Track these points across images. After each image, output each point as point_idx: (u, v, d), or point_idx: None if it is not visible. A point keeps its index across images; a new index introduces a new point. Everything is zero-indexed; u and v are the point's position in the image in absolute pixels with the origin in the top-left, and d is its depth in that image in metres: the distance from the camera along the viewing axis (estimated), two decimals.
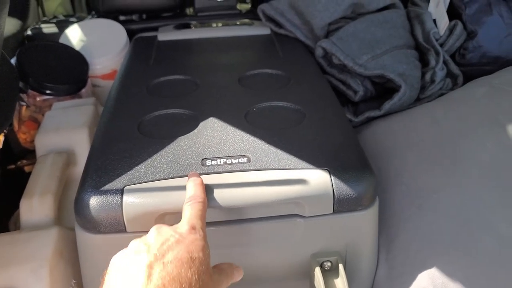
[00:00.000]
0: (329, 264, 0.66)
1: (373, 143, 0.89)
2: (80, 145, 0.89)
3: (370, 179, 0.65)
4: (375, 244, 0.71)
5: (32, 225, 0.73)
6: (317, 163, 0.64)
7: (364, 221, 0.66)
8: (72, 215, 0.66)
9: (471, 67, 1.06)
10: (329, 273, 0.65)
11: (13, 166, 1.06)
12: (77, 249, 0.67)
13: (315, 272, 0.64)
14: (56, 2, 1.90)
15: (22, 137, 1.06)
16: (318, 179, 0.62)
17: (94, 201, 0.61)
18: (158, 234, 0.50)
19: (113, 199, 0.61)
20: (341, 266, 0.65)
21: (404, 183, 0.78)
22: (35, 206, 0.74)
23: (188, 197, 0.57)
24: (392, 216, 0.75)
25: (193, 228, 0.52)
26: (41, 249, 0.67)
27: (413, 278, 0.68)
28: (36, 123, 1.04)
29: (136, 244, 0.50)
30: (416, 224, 0.72)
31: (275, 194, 0.61)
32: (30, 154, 1.08)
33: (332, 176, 0.63)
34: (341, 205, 0.63)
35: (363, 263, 0.69)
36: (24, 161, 1.06)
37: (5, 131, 0.97)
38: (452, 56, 1.07)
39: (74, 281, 0.71)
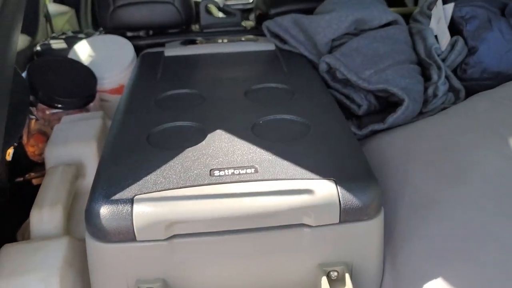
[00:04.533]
0: (335, 273, 0.66)
1: (377, 156, 0.90)
2: (89, 157, 0.91)
3: (376, 190, 0.66)
4: (381, 254, 0.72)
5: (42, 235, 0.74)
6: (323, 174, 0.66)
7: (370, 231, 0.67)
8: (81, 226, 0.67)
9: (472, 82, 1.08)
10: (336, 283, 0.66)
11: (21, 179, 1.07)
12: (86, 259, 0.68)
13: (321, 282, 0.65)
14: (63, 19, 1.94)
15: (30, 150, 1.08)
16: (325, 189, 0.64)
17: (105, 211, 0.62)
18: None
19: (123, 208, 0.62)
20: (347, 276, 0.66)
21: (408, 195, 0.79)
22: (45, 216, 0.75)
23: None
24: (396, 228, 0.76)
25: None
26: (51, 259, 0.68)
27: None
28: (45, 136, 1.06)
29: None
30: (420, 235, 0.73)
31: (282, 203, 0.62)
32: (38, 167, 1.09)
33: (338, 186, 0.64)
34: (347, 215, 0.64)
35: (369, 274, 0.70)
36: (32, 174, 1.08)
37: (15, 144, 0.98)
38: (454, 71, 1.09)
39: None
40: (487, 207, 0.72)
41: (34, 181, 1.07)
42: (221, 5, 1.57)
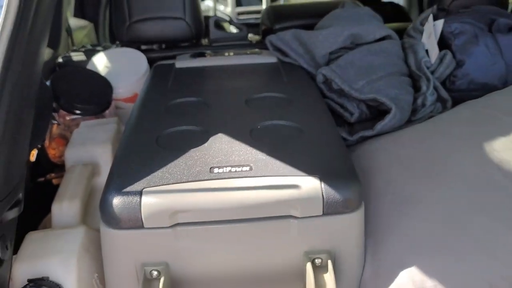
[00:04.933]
0: (319, 260, 0.74)
1: (366, 159, 0.98)
2: (104, 158, 1.00)
3: (356, 186, 0.74)
4: (362, 245, 0.79)
5: (62, 225, 0.84)
6: (309, 171, 0.74)
7: (351, 223, 0.75)
8: (96, 218, 0.76)
9: (460, 93, 1.15)
10: (319, 269, 0.74)
11: (42, 179, 1.17)
12: (100, 246, 0.77)
13: (306, 268, 0.73)
14: (83, 33, 2.06)
15: (51, 152, 1.18)
16: (310, 184, 0.72)
17: (117, 201, 0.71)
18: None
19: (133, 199, 0.71)
20: (330, 263, 0.73)
21: (391, 193, 0.87)
22: (64, 208, 0.85)
23: None
24: (379, 222, 0.83)
25: None
26: (70, 244, 0.77)
27: (395, 276, 0.76)
28: (65, 140, 1.16)
29: None
30: (400, 229, 0.80)
31: (272, 196, 0.71)
32: (58, 168, 1.19)
33: (322, 182, 0.72)
34: (330, 207, 0.72)
35: (350, 262, 0.78)
36: (53, 175, 1.18)
37: (38, 146, 1.09)
38: (443, 83, 1.17)
39: (96, 275, 0.80)
40: (462, 204, 0.80)
41: (54, 181, 1.17)
42: (234, 19, 1.67)
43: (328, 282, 0.72)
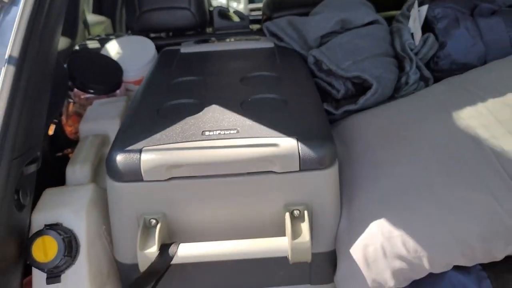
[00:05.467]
0: (297, 212, 0.84)
1: (349, 130, 1.07)
2: (113, 130, 1.11)
3: (330, 146, 0.84)
4: (337, 200, 0.89)
5: (74, 184, 0.95)
6: (289, 134, 0.84)
7: (325, 179, 0.85)
8: (103, 181, 0.87)
9: (443, 73, 1.24)
10: (297, 219, 0.84)
11: (60, 154, 1.29)
12: (107, 202, 0.89)
13: (285, 217, 0.83)
14: (101, 28, 2.21)
15: (68, 129, 1.30)
16: (288, 143, 0.82)
17: (120, 158, 0.82)
18: None
19: (134, 156, 0.82)
20: (306, 213, 0.83)
21: (367, 157, 0.96)
22: (77, 170, 0.96)
23: None
24: (354, 183, 0.93)
25: None
26: (81, 197, 0.89)
27: (366, 227, 0.85)
28: (80, 117, 1.28)
29: None
30: (372, 188, 0.90)
31: (254, 153, 0.81)
32: (74, 144, 1.31)
33: (299, 142, 0.82)
34: (305, 164, 0.82)
35: (326, 215, 0.87)
36: (69, 150, 1.30)
37: (55, 120, 1.21)
38: (427, 64, 1.25)
39: (104, 227, 0.92)
40: (428, 167, 0.88)
41: (71, 156, 1.29)
42: (246, 14, 1.77)
43: (304, 231, 0.82)
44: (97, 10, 2.34)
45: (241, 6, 3.92)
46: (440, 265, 0.82)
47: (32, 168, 0.84)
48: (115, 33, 1.87)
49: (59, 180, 1.01)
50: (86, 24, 1.81)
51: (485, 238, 0.80)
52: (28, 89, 0.81)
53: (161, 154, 0.82)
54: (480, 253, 0.81)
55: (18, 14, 0.82)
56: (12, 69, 0.78)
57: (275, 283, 0.94)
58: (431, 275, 0.83)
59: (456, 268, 0.83)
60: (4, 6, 0.88)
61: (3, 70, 0.78)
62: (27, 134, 0.82)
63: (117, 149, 0.84)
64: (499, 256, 0.81)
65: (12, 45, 0.79)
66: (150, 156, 0.82)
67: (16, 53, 0.79)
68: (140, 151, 0.83)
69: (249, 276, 0.93)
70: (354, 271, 0.85)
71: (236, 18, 1.66)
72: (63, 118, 1.29)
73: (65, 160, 1.26)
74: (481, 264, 0.84)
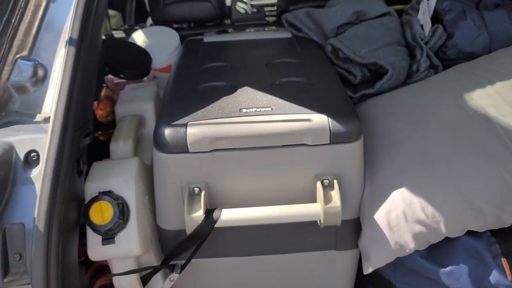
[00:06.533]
0: (327, 181, 0.93)
1: (367, 112, 1.17)
2: (147, 112, 1.20)
3: (356, 122, 0.93)
4: (361, 171, 0.98)
5: (119, 158, 1.04)
6: (319, 110, 0.93)
7: (352, 151, 0.94)
8: (142, 157, 0.96)
9: (450, 62, 1.33)
10: (327, 188, 0.93)
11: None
12: (148, 175, 0.97)
13: (317, 186, 0.92)
14: (112, 21, 2.29)
15: (99, 113, 1.38)
16: (319, 119, 0.91)
17: (168, 131, 0.91)
18: None
19: (180, 130, 0.91)
20: (335, 182, 0.93)
21: (386, 135, 1.06)
22: (120, 145, 1.05)
23: None
24: (376, 156, 1.02)
25: None
26: (129, 168, 0.97)
27: (388, 195, 0.95)
28: (111, 101, 1.36)
29: None
30: (393, 160, 0.99)
31: (289, 127, 0.90)
32: (104, 127, 1.39)
33: (329, 118, 0.91)
34: (335, 137, 0.91)
35: (352, 184, 0.97)
36: (100, 132, 1.38)
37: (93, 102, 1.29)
38: (436, 53, 1.35)
39: (147, 197, 1.00)
40: (441, 140, 0.98)
41: (101, 138, 1.37)
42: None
43: (334, 197, 0.91)
44: (108, 4, 2.41)
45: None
46: (455, 230, 0.91)
47: (87, 140, 0.92)
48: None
49: (93, 159, 1.09)
50: (108, 15, 1.89)
51: (496, 204, 0.89)
52: (85, 68, 0.89)
53: (205, 128, 0.91)
54: (491, 218, 0.90)
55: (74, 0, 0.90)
56: (73, 49, 0.86)
57: (303, 248, 1.03)
58: (446, 240, 0.93)
59: (468, 234, 0.93)
60: None
61: (65, 50, 0.86)
62: (84, 108, 0.90)
63: (164, 124, 0.92)
64: (508, 221, 0.91)
65: (71, 27, 0.87)
66: (195, 129, 0.91)
67: (75, 35, 0.87)
68: (185, 125, 0.91)
69: (280, 242, 1.02)
70: (378, 234, 0.95)
71: (242, 10, 1.74)
72: (95, 102, 1.37)
73: (97, 142, 1.35)
74: (490, 231, 0.93)
